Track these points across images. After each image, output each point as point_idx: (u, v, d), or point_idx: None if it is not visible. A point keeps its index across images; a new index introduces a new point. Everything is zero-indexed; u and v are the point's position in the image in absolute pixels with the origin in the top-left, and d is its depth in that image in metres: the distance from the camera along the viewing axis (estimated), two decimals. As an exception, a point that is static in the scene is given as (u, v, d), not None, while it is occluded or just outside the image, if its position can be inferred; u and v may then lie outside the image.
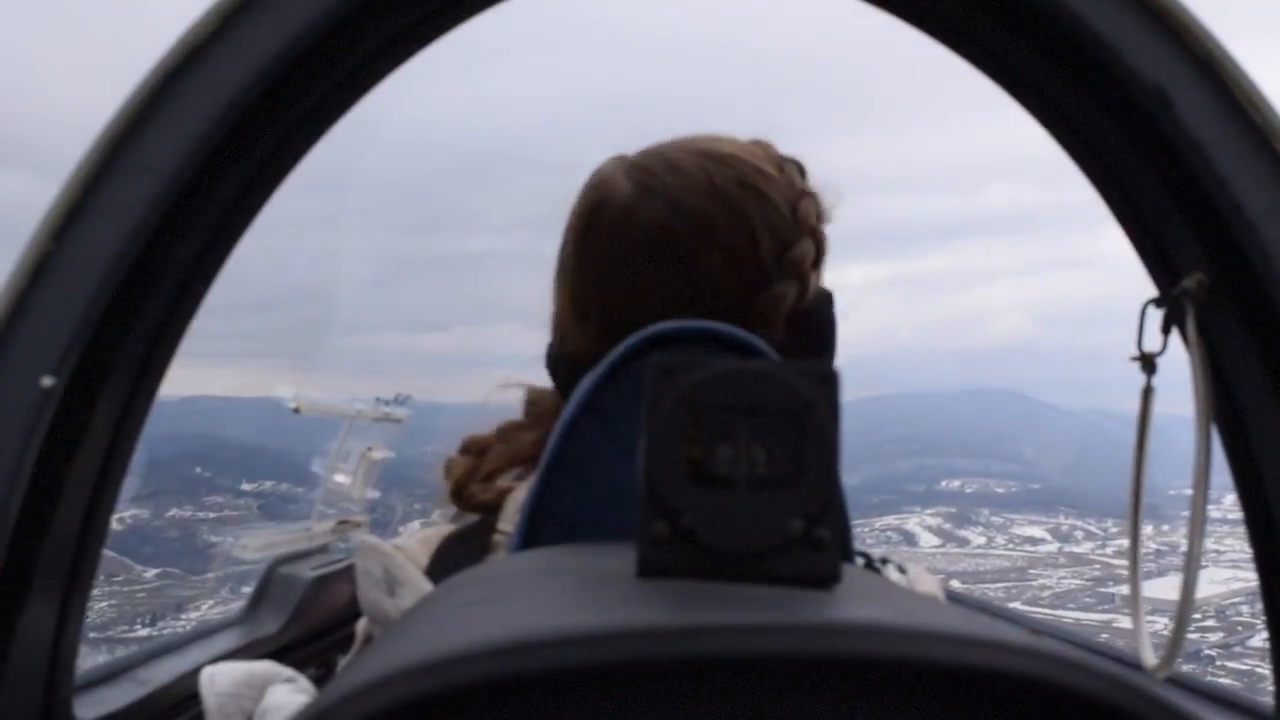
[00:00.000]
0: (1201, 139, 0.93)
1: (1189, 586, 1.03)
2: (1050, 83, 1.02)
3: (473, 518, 1.30)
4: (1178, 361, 1.07)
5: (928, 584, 1.38)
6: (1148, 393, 1.14)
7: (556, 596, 0.57)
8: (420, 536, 1.38)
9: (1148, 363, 1.13)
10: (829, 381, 0.62)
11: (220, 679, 1.38)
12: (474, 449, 1.35)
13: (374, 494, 2.56)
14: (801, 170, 1.35)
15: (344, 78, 1.02)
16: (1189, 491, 1.09)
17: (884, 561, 1.37)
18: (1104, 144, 1.03)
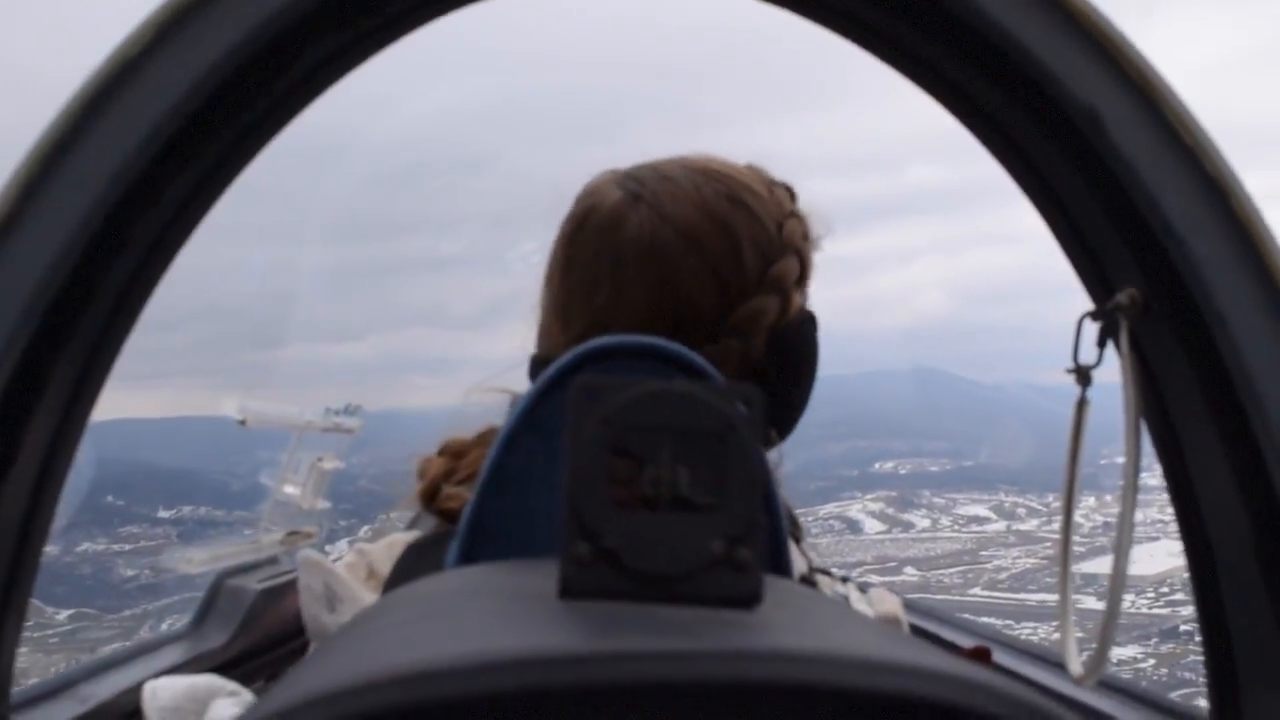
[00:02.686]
0: (1132, 157, 0.94)
1: (1114, 600, 1.04)
2: (984, 97, 1.03)
3: (432, 522, 1.30)
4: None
5: (888, 604, 1.39)
6: (1082, 405, 1.15)
7: (476, 620, 0.57)
8: (386, 542, 1.38)
9: (1083, 376, 1.14)
10: (753, 402, 0.63)
11: (162, 693, 1.37)
12: (452, 451, 1.35)
13: (325, 504, 2.55)
14: (791, 194, 1.37)
15: (284, 90, 1.02)
16: (1118, 460, 1.11)
17: (845, 580, 1.38)
18: (1039, 159, 1.04)
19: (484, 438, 1.32)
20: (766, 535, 0.94)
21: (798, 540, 1.34)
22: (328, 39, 1.00)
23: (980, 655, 1.16)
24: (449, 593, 0.67)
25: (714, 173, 1.31)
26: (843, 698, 0.45)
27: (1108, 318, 1.06)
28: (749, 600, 0.60)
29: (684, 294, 1.26)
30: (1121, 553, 1.04)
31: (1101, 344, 1.10)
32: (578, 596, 0.59)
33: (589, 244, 1.29)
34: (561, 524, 0.60)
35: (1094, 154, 0.96)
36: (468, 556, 0.97)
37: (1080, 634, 1.18)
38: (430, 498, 1.29)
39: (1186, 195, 0.93)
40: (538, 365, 1.35)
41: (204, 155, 0.99)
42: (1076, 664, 1.17)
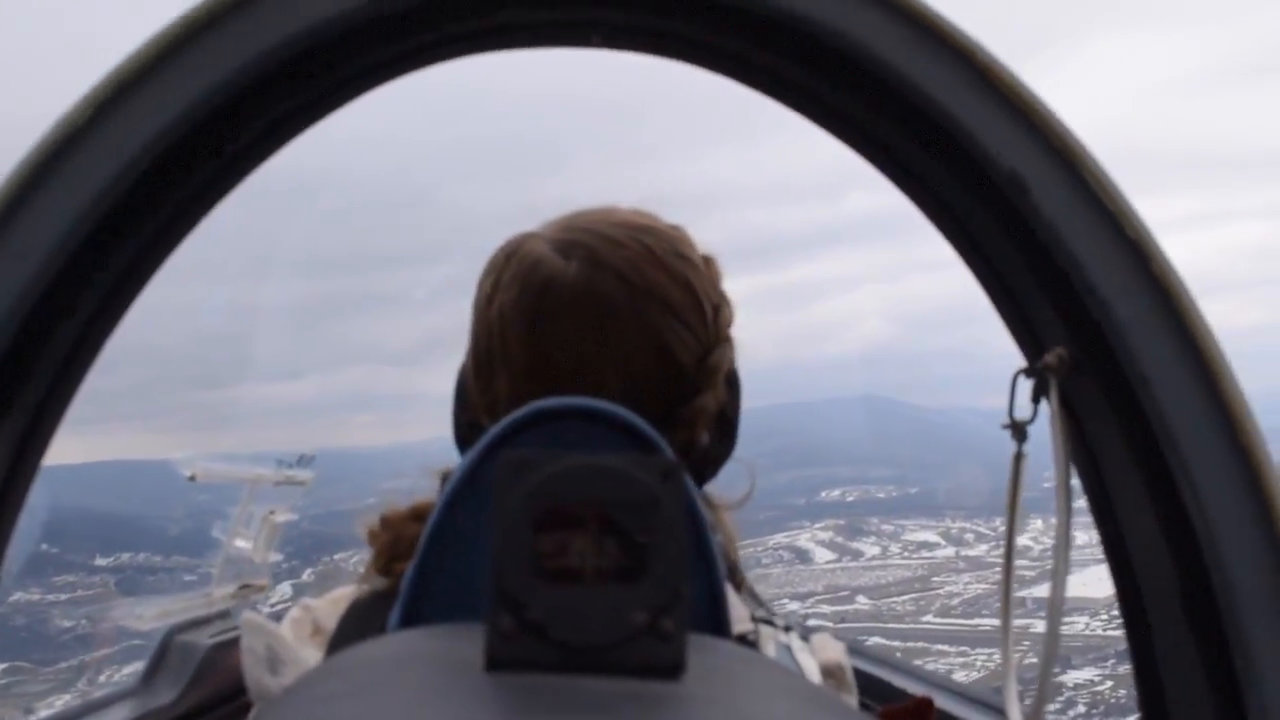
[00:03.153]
0: (1057, 222, 0.96)
1: (1050, 651, 1.06)
2: (915, 163, 1.06)
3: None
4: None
5: (830, 651, 1.39)
6: (1019, 459, 1.17)
7: (400, 695, 0.58)
8: (331, 598, 1.37)
9: (1018, 430, 1.16)
10: (674, 474, 0.64)
11: (106, 756, 1.36)
12: (393, 525, 1.33)
13: (276, 557, 2.54)
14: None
15: (228, 158, 1.03)
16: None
17: (788, 629, 1.38)
18: (970, 223, 1.07)
19: (418, 512, 1.31)
20: (693, 603, 0.95)
21: (738, 588, 1.35)
22: (268, 110, 1.02)
23: (923, 708, 1.17)
24: (381, 661, 0.68)
25: (648, 229, 1.32)
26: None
27: (1039, 375, 1.08)
28: (672, 670, 0.61)
29: (667, 350, 1.27)
30: (1055, 608, 1.05)
31: (1036, 400, 1.13)
32: (503, 669, 0.60)
33: (552, 322, 1.28)
34: (486, 597, 0.61)
35: (1019, 217, 0.98)
36: (410, 618, 0.98)
37: (1034, 659, 1.19)
38: (385, 571, 1.29)
39: (1108, 258, 0.96)
40: (466, 425, 1.35)
41: (144, 225, 1.00)
42: (1017, 714, 1.19)
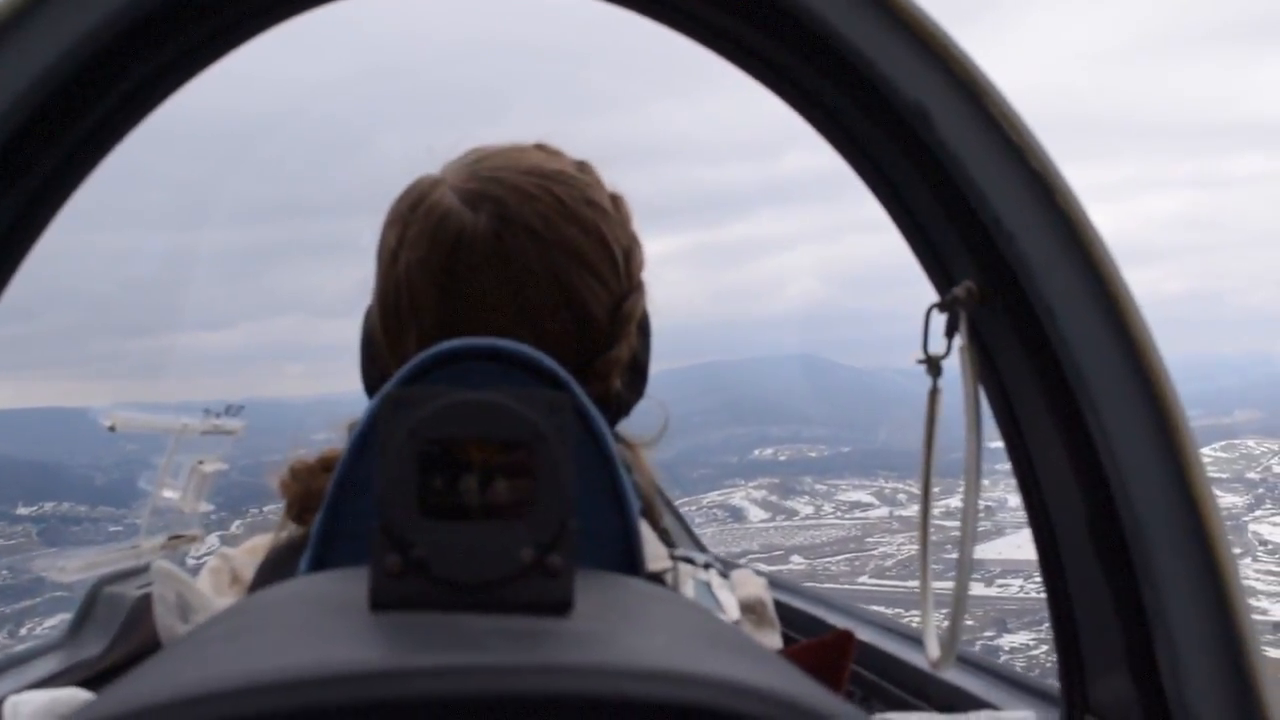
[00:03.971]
0: (961, 154, 0.96)
1: (962, 585, 1.07)
2: (825, 97, 1.05)
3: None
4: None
5: (751, 586, 1.39)
6: (934, 394, 1.18)
7: (285, 634, 0.57)
8: (248, 546, 1.36)
9: (933, 365, 1.16)
10: (561, 410, 0.63)
11: (24, 708, 1.34)
12: (302, 477, 1.32)
13: (207, 507, 2.51)
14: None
15: (121, 97, 1.01)
16: (993, 445, 1.14)
17: (707, 566, 1.39)
18: (879, 157, 1.07)
19: (326, 462, 1.30)
20: (604, 541, 0.95)
21: (655, 526, 1.35)
22: (164, 47, 0.99)
23: (842, 640, 1.18)
24: (270, 605, 0.67)
25: (556, 174, 1.29)
26: (621, 707, 0.46)
27: (950, 309, 1.09)
28: (560, 607, 0.61)
29: (577, 309, 1.26)
30: (965, 540, 1.06)
31: (949, 334, 1.13)
32: (389, 608, 0.59)
33: (464, 281, 1.25)
34: (371, 535, 0.60)
35: (925, 149, 0.98)
36: (318, 563, 0.97)
37: (971, 622, 1.21)
38: (299, 519, 1.28)
39: (1014, 191, 0.96)
40: (377, 377, 1.33)
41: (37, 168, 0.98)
42: (935, 649, 1.20)
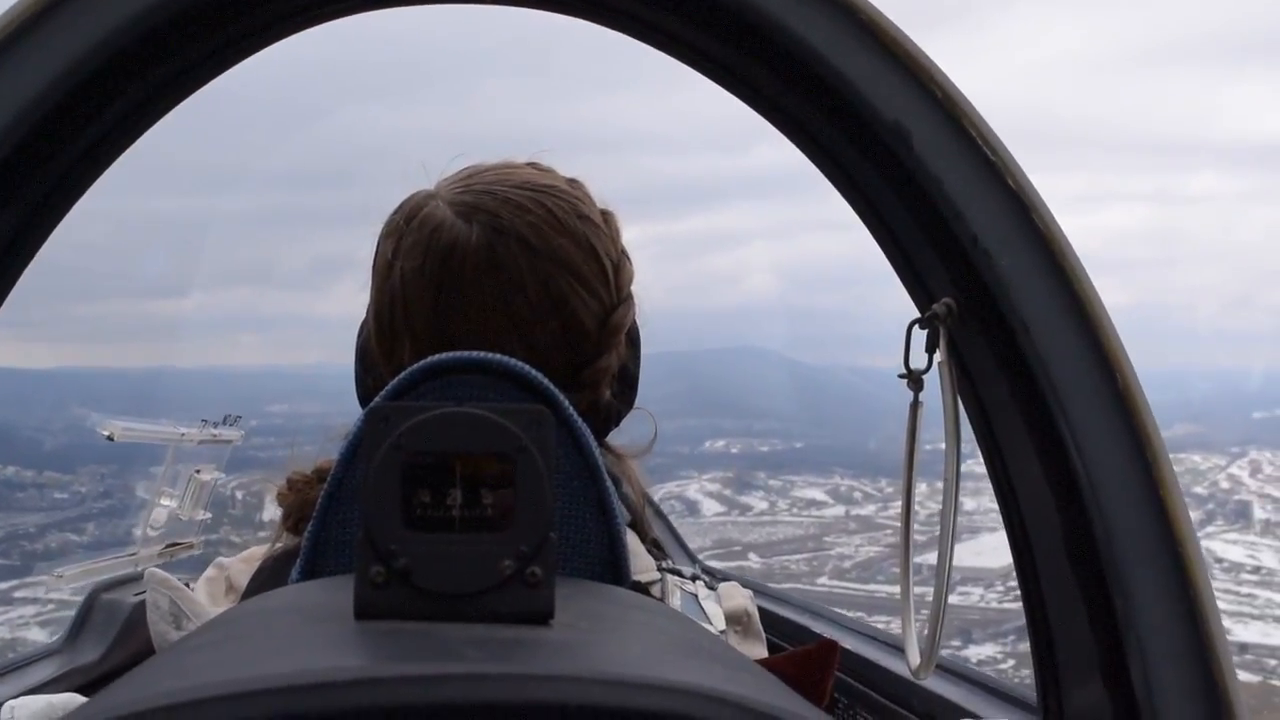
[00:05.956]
0: (939, 173, 0.98)
1: (941, 592, 1.09)
2: (806, 116, 1.07)
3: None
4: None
5: (737, 599, 1.41)
6: (915, 408, 1.20)
7: (270, 642, 0.59)
8: (244, 556, 1.38)
9: (914, 380, 1.18)
10: (543, 423, 0.65)
11: (21, 712, 1.36)
12: (298, 488, 1.33)
13: (205, 515, 2.53)
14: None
15: (97, 134, 1.03)
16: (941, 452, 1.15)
17: (695, 578, 1.41)
18: (859, 175, 1.09)
19: (321, 473, 1.31)
20: (590, 551, 0.97)
21: (645, 538, 1.37)
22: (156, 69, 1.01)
23: (825, 650, 1.20)
24: (259, 613, 0.69)
25: (549, 189, 1.32)
26: (595, 715, 0.48)
27: (930, 325, 1.11)
28: (541, 616, 0.63)
29: (570, 315, 1.28)
30: (944, 552, 1.08)
31: (929, 350, 1.15)
32: (372, 617, 0.61)
33: (458, 294, 1.26)
34: (356, 546, 0.62)
35: (904, 169, 1.00)
36: (309, 572, 0.99)
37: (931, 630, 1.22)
38: (294, 530, 1.30)
39: (991, 209, 0.98)
40: (371, 387, 1.35)
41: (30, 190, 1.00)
42: (916, 656, 1.22)
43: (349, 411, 1.34)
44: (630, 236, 1.38)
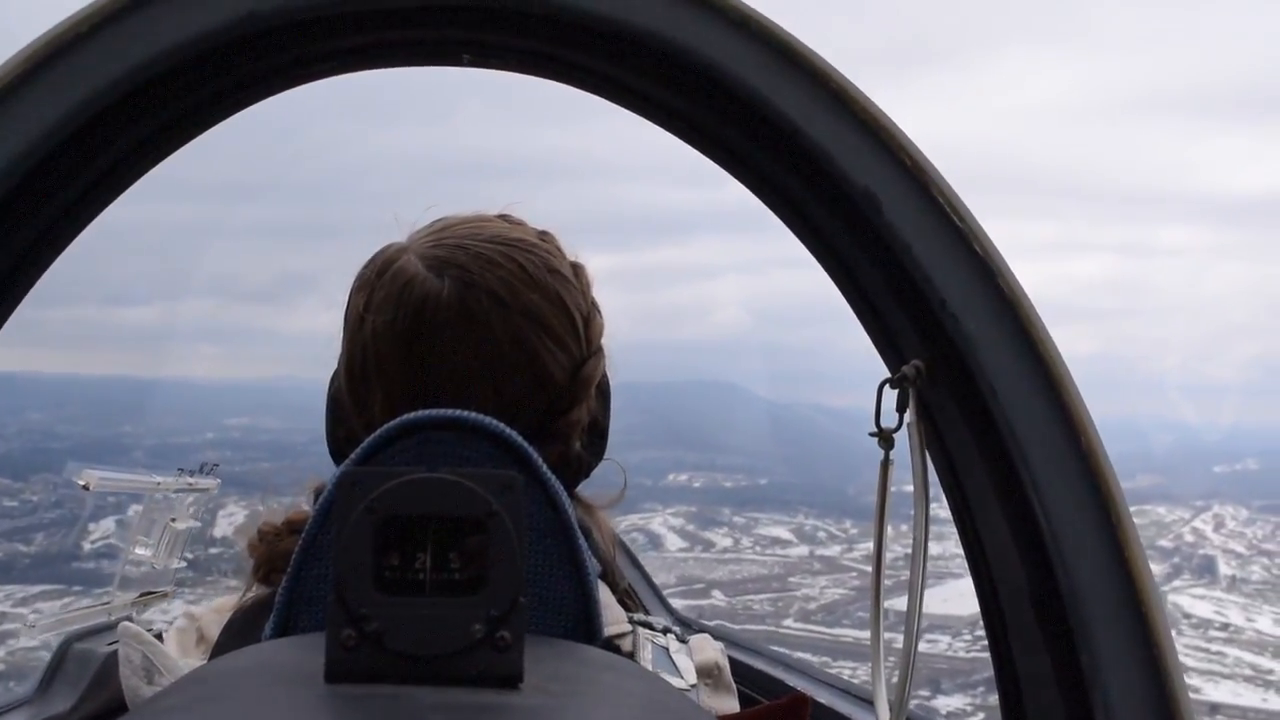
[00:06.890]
0: (908, 238, 1.00)
1: (910, 651, 1.10)
2: (779, 180, 1.09)
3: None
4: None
5: (708, 652, 1.42)
6: (885, 465, 1.21)
7: (240, 705, 0.60)
8: (215, 606, 1.38)
9: (885, 438, 1.20)
10: (513, 489, 0.67)
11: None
12: (269, 539, 1.34)
13: (179, 564, 2.52)
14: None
15: (88, 183, 1.04)
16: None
17: (666, 631, 1.41)
18: (832, 239, 1.11)
19: (291, 525, 1.32)
20: (562, 609, 0.98)
21: (615, 589, 1.37)
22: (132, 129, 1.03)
23: (797, 704, 1.20)
24: (229, 673, 0.70)
25: (519, 242, 1.33)
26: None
27: (900, 386, 1.12)
28: (510, 680, 0.64)
29: (541, 376, 1.29)
30: (912, 609, 1.09)
31: (900, 409, 1.17)
32: (342, 680, 0.62)
33: (429, 344, 1.27)
34: (327, 610, 0.63)
35: (875, 234, 1.02)
36: (282, 628, 0.99)
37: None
38: (265, 580, 1.30)
39: (958, 274, 1.00)
40: (342, 440, 1.36)
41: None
42: (885, 712, 1.23)
43: (307, 429, 1.34)
44: (600, 266, 1.39)
